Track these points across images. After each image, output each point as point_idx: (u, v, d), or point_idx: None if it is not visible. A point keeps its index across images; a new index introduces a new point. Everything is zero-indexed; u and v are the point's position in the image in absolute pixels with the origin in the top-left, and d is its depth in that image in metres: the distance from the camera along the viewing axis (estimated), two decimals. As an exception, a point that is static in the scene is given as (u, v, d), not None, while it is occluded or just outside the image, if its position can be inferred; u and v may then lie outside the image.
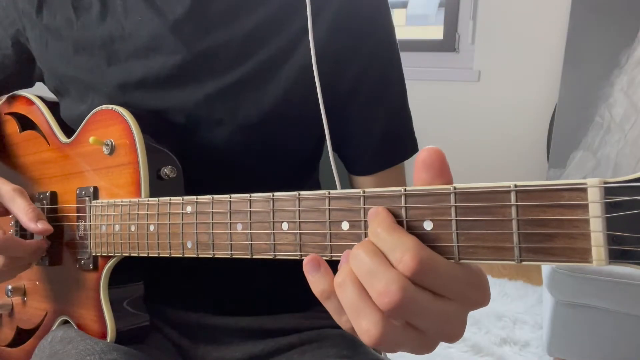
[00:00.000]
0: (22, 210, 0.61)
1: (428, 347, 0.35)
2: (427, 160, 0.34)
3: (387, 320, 0.32)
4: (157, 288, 0.67)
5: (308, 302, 0.76)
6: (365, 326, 0.33)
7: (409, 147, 0.70)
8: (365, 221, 0.37)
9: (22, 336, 0.74)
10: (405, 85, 0.68)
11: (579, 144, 1.94)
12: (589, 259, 0.29)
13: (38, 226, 0.60)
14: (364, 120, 0.66)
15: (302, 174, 0.74)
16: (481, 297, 0.34)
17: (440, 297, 0.32)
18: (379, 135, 0.66)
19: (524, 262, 0.31)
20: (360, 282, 0.33)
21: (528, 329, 1.88)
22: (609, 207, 0.28)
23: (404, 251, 0.32)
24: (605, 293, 1.41)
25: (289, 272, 0.74)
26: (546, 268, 1.49)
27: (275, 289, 0.74)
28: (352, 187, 0.72)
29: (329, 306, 0.36)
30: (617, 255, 0.28)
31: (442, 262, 0.32)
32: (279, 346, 0.70)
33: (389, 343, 0.33)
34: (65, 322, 0.67)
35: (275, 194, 0.42)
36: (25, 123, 0.75)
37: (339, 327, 0.73)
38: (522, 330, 1.87)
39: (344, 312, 0.35)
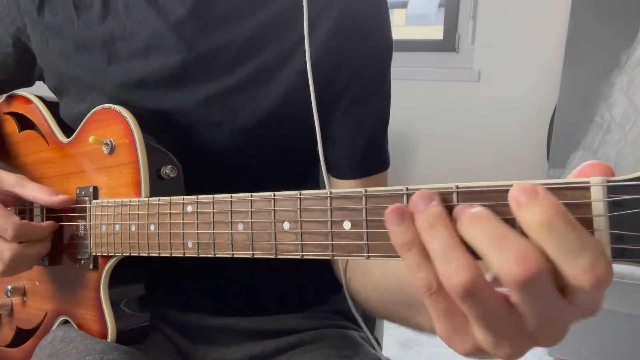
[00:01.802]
0: (36, 190, 0.61)
1: (520, 346, 0.31)
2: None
3: (478, 268, 0.29)
4: (157, 288, 0.67)
5: (308, 302, 0.76)
6: (455, 266, 0.29)
7: (387, 159, 0.69)
8: (367, 220, 0.37)
9: (22, 336, 0.74)
10: (390, 97, 0.68)
11: (579, 144, 1.94)
12: None
13: (59, 198, 0.60)
14: (349, 123, 0.65)
15: (302, 175, 0.74)
16: (597, 307, 0.31)
17: (567, 294, 0.29)
18: (362, 141, 0.66)
19: None
20: (458, 235, 0.30)
21: (528, 329, 1.88)
22: (612, 206, 0.27)
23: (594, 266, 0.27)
24: (605, 293, 1.41)
25: (289, 272, 0.74)
26: (546, 268, 1.49)
27: (275, 289, 0.74)
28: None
29: (407, 259, 0.32)
30: (620, 253, 0.28)
31: None
32: (279, 346, 0.70)
33: (477, 299, 0.29)
34: (66, 322, 0.67)
35: (277, 193, 0.42)
36: (24, 122, 0.75)
37: (339, 327, 0.73)
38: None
39: (425, 263, 0.31)
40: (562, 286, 0.28)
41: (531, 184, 0.28)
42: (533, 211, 0.28)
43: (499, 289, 0.30)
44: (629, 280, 1.37)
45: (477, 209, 0.30)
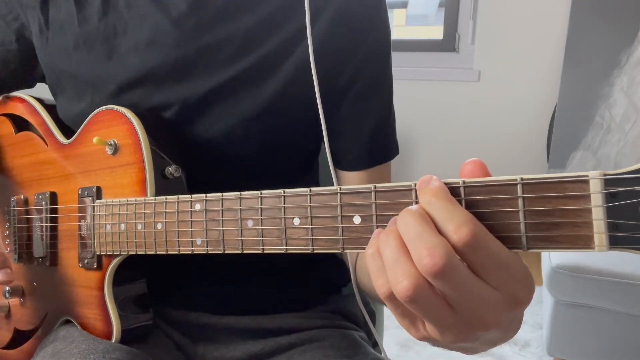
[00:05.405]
0: None
1: (460, 333, 0.35)
2: (475, 174, 0.35)
3: (422, 277, 0.32)
4: (158, 287, 0.67)
5: (308, 302, 0.76)
6: (400, 277, 0.33)
7: (394, 147, 0.70)
8: (377, 215, 0.38)
9: (20, 338, 0.74)
10: (392, 86, 0.69)
11: (579, 144, 1.94)
12: (592, 245, 0.31)
13: None
14: (355, 116, 0.66)
15: (302, 169, 0.75)
16: (525, 295, 0.34)
17: (482, 280, 0.33)
18: (369, 132, 0.66)
19: (531, 250, 0.33)
20: (403, 241, 0.34)
21: (528, 329, 1.89)
22: (609, 197, 0.30)
23: (461, 223, 0.32)
24: (605, 293, 1.41)
25: (290, 272, 0.74)
26: (546, 268, 1.49)
27: (275, 288, 0.74)
28: (338, 183, 0.71)
29: (371, 266, 0.36)
30: (616, 241, 0.30)
31: (495, 244, 0.33)
32: (278, 345, 0.70)
33: (419, 304, 0.33)
34: (67, 321, 0.67)
35: (286, 190, 0.43)
36: (21, 124, 0.75)
37: (339, 327, 0.73)
38: (522, 330, 1.86)
39: (384, 270, 0.35)
40: (475, 270, 0.33)
41: (430, 176, 0.35)
42: (422, 193, 0.35)
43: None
44: (629, 280, 1.37)
45: (412, 206, 0.35)
